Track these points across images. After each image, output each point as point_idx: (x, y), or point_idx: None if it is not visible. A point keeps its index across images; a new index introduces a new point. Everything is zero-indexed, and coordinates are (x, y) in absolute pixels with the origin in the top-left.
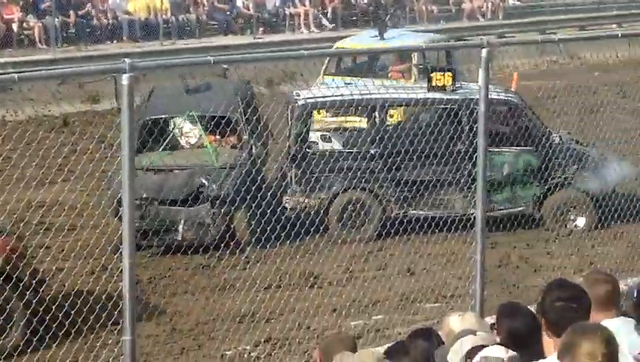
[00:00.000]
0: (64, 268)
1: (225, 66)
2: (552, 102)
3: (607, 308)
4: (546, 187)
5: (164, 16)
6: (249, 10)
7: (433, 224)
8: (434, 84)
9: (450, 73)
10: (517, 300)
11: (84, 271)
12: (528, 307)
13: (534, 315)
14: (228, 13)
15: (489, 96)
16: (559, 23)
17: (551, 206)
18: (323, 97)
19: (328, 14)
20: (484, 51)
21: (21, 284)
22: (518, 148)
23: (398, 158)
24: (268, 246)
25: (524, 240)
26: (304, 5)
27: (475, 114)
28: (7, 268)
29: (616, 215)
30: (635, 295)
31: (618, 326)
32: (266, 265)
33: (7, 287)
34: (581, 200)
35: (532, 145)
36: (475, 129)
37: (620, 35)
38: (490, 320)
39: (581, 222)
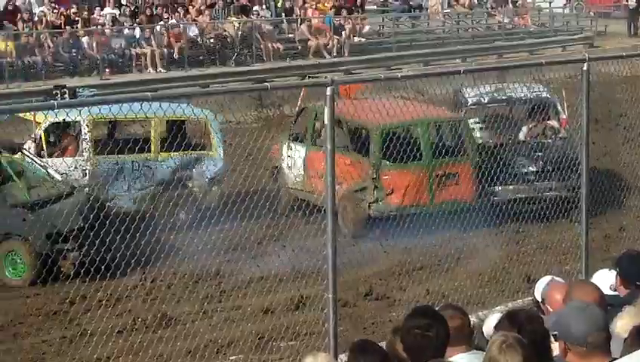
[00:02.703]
0: None
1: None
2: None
3: (458, 342)
4: None
5: (8, 58)
6: (94, 51)
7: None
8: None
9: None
10: (371, 336)
11: None
12: (380, 344)
13: (385, 353)
14: (74, 54)
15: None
16: (405, 59)
17: None
18: None
19: (175, 54)
20: (328, 89)
21: None
22: None
23: None
24: (119, 289)
25: (377, 275)
26: (150, 45)
27: None
28: None
29: None
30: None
31: (470, 359)
32: (118, 308)
33: None
34: None
35: None
36: None
37: (462, 71)
38: (345, 357)
39: None
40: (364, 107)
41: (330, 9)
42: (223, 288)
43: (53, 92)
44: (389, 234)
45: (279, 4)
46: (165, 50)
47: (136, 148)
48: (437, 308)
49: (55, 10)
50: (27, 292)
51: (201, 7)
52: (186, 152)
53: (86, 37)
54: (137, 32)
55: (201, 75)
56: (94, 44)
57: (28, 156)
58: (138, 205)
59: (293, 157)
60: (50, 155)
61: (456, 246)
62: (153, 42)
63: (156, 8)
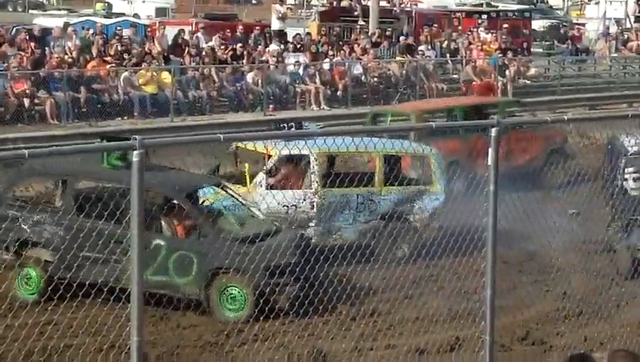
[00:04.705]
0: (72, 344)
1: (235, 143)
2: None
3: None
4: None
5: (175, 93)
6: (258, 85)
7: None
8: None
9: None
10: None
11: (92, 348)
12: None
13: None
14: (239, 89)
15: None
16: (570, 103)
17: None
18: None
19: (338, 92)
20: (493, 130)
21: None
22: None
23: None
24: (277, 323)
25: (534, 319)
26: (314, 83)
27: None
28: None
29: None
30: None
31: None
32: (274, 342)
33: None
34: None
35: None
36: None
37: (630, 115)
38: None
39: None
40: None
41: (496, 50)
42: (379, 327)
43: (281, 125)
44: None
45: (444, 45)
46: (328, 87)
47: (361, 182)
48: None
49: (222, 46)
50: (184, 323)
51: (366, 46)
52: (408, 186)
53: (251, 72)
54: (302, 69)
55: (364, 113)
56: (259, 80)
57: (230, 194)
58: (361, 237)
59: None
60: (279, 187)
61: (616, 293)
62: (317, 79)
63: (321, 46)
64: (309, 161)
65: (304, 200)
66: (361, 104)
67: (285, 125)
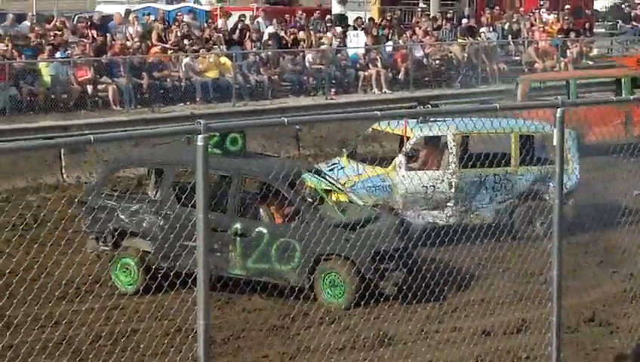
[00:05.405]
0: (139, 329)
1: (297, 127)
2: None
3: None
4: None
5: (237, 77)
6: (320, 64)
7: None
8: None
9: None
10: None
11: (158, 332)
12: None
13: None
14: (299, 74)
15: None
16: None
17: None
18: None
19: (400, 75)
20: (559, 111)
21: None
22: None
23: None
24: (342, 306)
25: (600, 300)
26: (376, 66)
27: None
28: None
29: None
30: None
31: None
32: (340, 325)
33: None
34: None
35: None
36: None
37: None
38: None
39: None
40: None
41: (558, 32)
42: (445, 309)
43: (417, 106)
44: None
45: (506, 26)
46: (390, 71)
47: (497, 162)
48: None
49: (282, 31)
50: (249, 307)
51: (428, 29)
52: (543, 166)
53: (309, 55)
54: (362, 53)
55: (426, 96)
56: (320, 65)
57: (328, 180)
58: (499, 217)
59: None
60: (418, 168)
61: None
62: (379, 63)
63: (382, 29)
64: (446, 142)
65: (442, 180)
66: (423, 87)
67: (422, 106)
